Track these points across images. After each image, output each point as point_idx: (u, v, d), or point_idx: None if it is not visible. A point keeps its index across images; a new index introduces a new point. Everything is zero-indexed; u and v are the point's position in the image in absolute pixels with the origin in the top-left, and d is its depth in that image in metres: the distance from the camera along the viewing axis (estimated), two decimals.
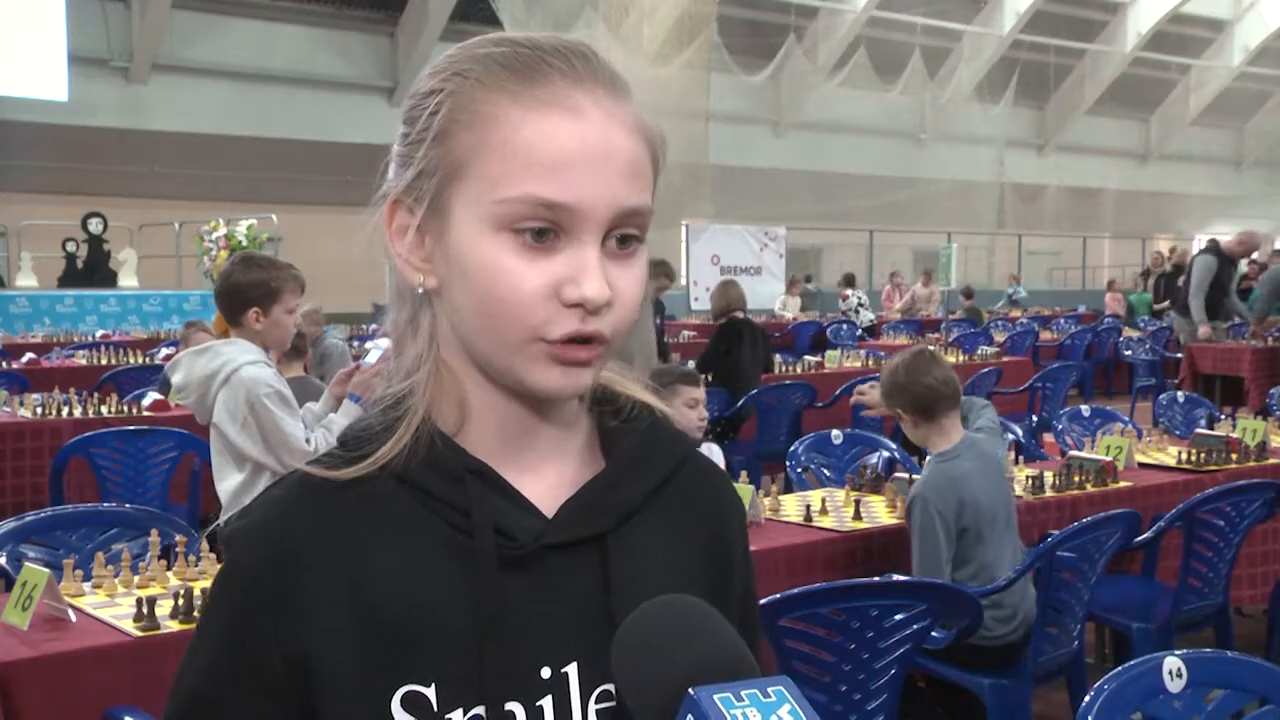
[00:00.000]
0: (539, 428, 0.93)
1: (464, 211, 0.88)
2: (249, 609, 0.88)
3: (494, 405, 0.92)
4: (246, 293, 3.57)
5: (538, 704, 0.89)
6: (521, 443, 0.93)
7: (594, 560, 0.91)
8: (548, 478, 0.94)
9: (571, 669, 0.90)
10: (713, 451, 4.12)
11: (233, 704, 0.89)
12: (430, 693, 0.87)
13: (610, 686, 0.88)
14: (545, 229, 0.86)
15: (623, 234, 0.88)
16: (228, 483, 3.59)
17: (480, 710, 0.87)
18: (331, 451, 0.92)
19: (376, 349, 3.88)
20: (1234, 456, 4.68)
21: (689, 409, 3.82)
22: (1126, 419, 5.71)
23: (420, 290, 0.92)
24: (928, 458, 3.51)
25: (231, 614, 0.89)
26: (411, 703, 0.87)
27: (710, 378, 7.52)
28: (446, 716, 0.87)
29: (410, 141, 0.91)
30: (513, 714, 0.88)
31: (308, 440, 3.52)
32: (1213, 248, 10.40)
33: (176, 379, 3.63)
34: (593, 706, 0.90)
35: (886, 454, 4.68)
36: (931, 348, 3.77)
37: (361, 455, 0.90)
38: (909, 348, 3.70)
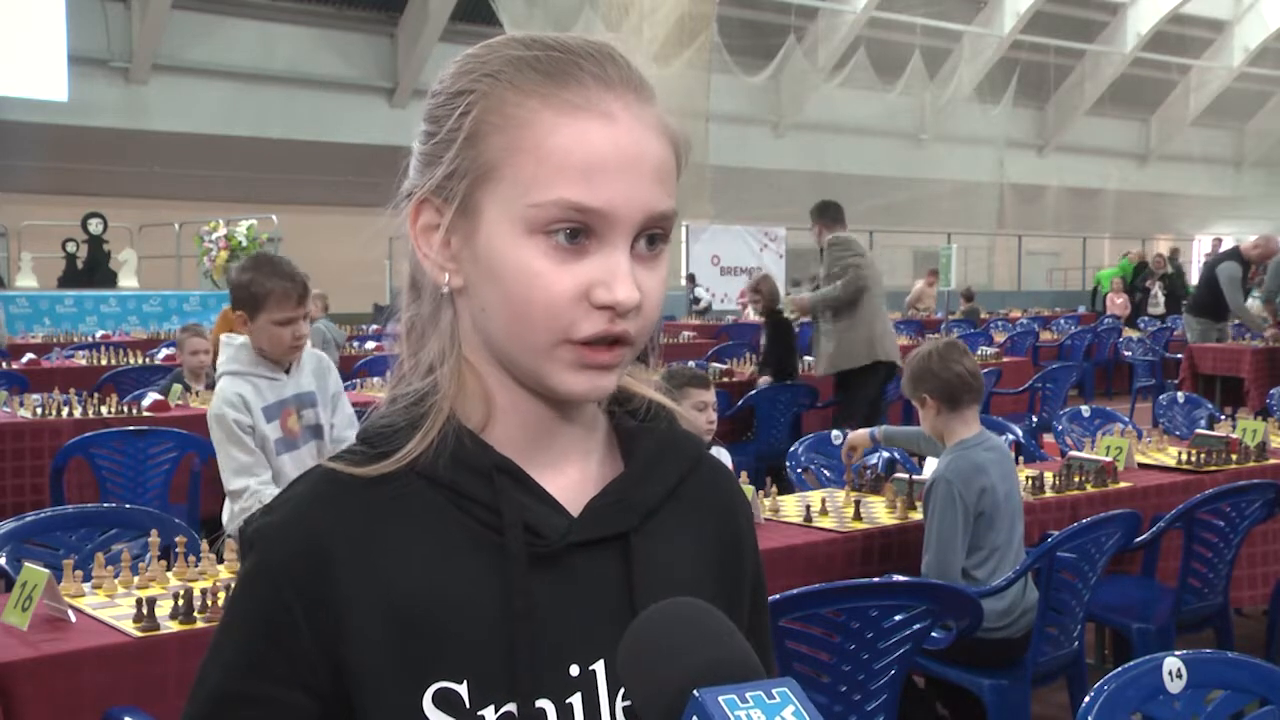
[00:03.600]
0: (561, 427, 0.94)
1: (495, 214, 0.88)
2: (281, 604, 0.88)
3: (517, 404, 0.93)
4: (233, 294, 3.46)
5: (567, 701, 0.89)
6: (545, 441, 0.94)
7: (617, 558, 0.92)
8: (570, 476, 0.94)
9: (599, 666, 0.91)
10: (722, 455, 4.11)
11: (266, 699, 0.88)
12: (462, 690, 0.87)
13: None
14: (577, 230, 0.86)
15: (650, 235, 0.89)
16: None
17: (511, 707, 0.87)
18: (353, 449, 0.92)
19: None
20: (1234, 457, 4.68)
21: (698, 411, 3.82)
22: (1126, 419, 5.71)
23: (445, 290, 0.92)
24: (948, 446, 3.53)
25: (261, 609, 0.89)
26: (443, 699, 0.87)
27: (770, 376, 7.80)
28: (479, 713, 0.87)
29: (437, 141, 0.91)
30: (543, 711, 0.88)
31: (245, 489, 3.35)
32: (1234, 253, 10.56)
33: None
34: (620, 704, 0.91)
35: (886, 454, 4.68)
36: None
37: (386, 452, 0.90)
38: (939, 339, 3.77)
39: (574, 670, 0.90)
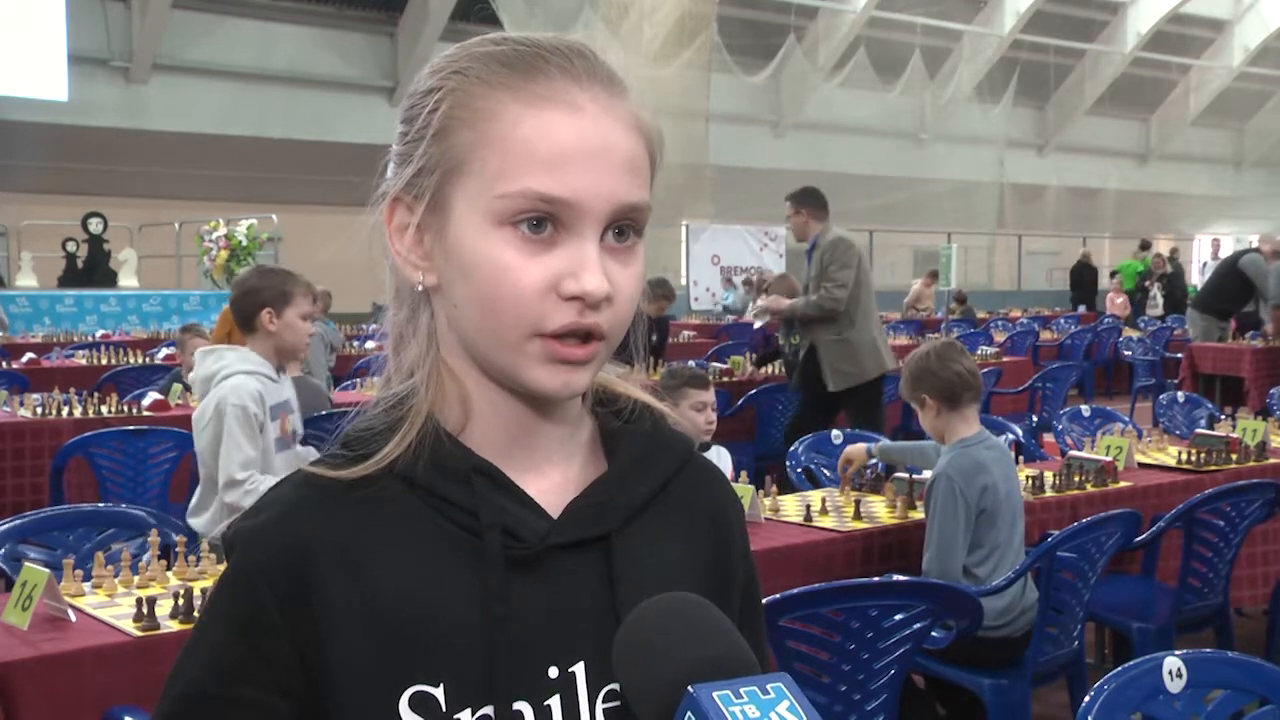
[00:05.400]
0: (542, 427, 0.94)
1: (464, 208, 0.88)
2: (260, 606, 0.88)
3: (496, 404, 0.92)
4: (261, 294, 3.68)
5: (545, 703, 0.89)
6: (525, 442, 0.93)
7: (599, 560, 0.92)
8: (552, 477, 0.94)
9: (579, 668, 0.90)
10: (721, 456, 4.11)
11: (241, 700, 0.88)
12: (438, 692, 0.87)
13: (617, 685, 0.88)
14: (543, 219, 0.86)
15: (620, 227, 0.89)
16: (200, 487, 3.75)
17: (488, 710, 0.87)
18: (334, 452, 0.92)
19: None
20: (1234, 456, 4.68)
21: (696, 412, 3.81)
22: (1126, 419, 5.71)
23: (420, 288, 0.92)
24: (949, 445, 3.53)
25: (240, 612, 0.89)
26: (419, 703, 0.87)
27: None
28: (455, 716, 0.87)
29: (409, 140, 0.91)
30: (521, 713, 0.88)
31: (249, 478, 3.55)
32: (1250, 249, 10.77)
33: (191, 375, 3.85)
34: (600, 705, 0.91)
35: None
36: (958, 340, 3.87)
37: (365, 455, 0.90)
38: (937, 339, 3.78)
39: (553, 672, 0.90)
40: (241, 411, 3.56)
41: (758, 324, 7.69)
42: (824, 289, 6.52)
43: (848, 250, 6.64)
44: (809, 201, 6.77)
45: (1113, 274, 19.32)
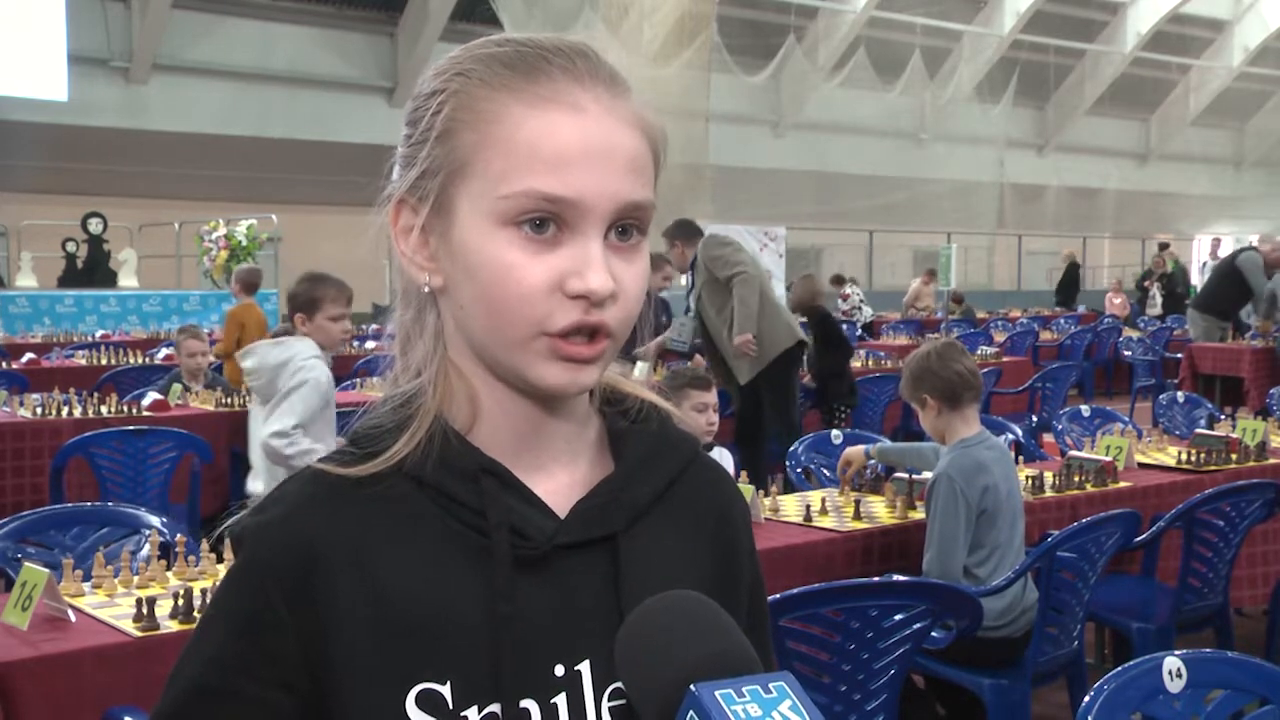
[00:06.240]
0: (550, 426, 0.94)
1: (468, 209, 0.88)
2: (265, 601, 0.88)
3: (504, 403, 0.93)
4: (294, 301, 4.27)
5: (552, 701, 0.89)
6: (533, 441, 0.94)
7: (605, 560, 0.92)
8: (559, 477, 0.94)
9: (584, 666, 0.91)
10: (724, 457, 4.11)
11: (244, 695, 0.88)
12: (445, 690, 0.87)
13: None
14: (545, 219, 0.86)
15: (623, 225, 0.89)
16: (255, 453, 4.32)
17: (495, 708, 0.88)
18: (342, 450, 0.93)
19: None
20: (1234, 456, 4.68)
21: (698, 413, 3.81)
22: (1126, 419, 5.72)
23: (426, 289, 0.92)
24: (949, 445, 3.53)
25: (245, 606, 0.89)
26: (427, 700, 0.87)
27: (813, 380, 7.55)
28: (462, 714, 0.87)
29: (414, 142, 0.91)
30: (527, 711, 0.88)
31: (291, 441, 4.03)
32: (1250, 248, 10.85)
33: (250, 363, 4.28)
34: (605, 704, 0.91)
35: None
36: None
37: (374, 452, 0.91)
38: (938, 339, 3.79)
39: (559, 670, 0.90)
40: (316, 387, 4.11)
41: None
42: (734, 281, 6.57)
43: (722, 244, 6.80)
44: (682, 232, 6.99)
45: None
